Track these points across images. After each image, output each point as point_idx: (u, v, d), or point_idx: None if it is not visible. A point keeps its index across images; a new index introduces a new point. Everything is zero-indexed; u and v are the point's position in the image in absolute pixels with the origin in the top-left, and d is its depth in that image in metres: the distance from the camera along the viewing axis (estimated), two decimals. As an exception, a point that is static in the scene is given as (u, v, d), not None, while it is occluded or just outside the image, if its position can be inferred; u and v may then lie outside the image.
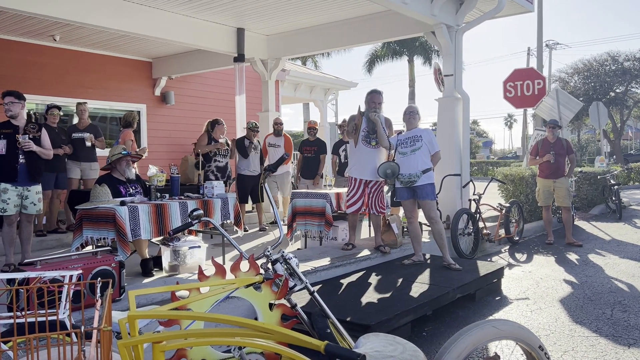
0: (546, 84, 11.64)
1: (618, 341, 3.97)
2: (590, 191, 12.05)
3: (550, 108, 11.06)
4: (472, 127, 67.47)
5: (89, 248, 4.89)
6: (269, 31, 9.38)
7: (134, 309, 1.52)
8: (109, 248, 4.56)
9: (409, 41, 25.88)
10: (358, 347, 2.02)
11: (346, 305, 4.24)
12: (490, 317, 4.67)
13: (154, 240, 5.19)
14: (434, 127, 11.86)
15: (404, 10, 6.75)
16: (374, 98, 5.92)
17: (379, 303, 4.29)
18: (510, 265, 6.70)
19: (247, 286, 2.08)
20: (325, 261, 5.45)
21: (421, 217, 6.10)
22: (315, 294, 2.35)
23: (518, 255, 7.38)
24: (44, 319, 1.96)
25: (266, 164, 8.63)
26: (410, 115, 5.92)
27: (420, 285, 4.82)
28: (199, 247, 5.10)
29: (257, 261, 2.25)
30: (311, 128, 9.09)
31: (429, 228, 6.30)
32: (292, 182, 9.64)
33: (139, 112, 10.48)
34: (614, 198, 11.19)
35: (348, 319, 3.85)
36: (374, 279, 5.10)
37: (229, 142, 8.24)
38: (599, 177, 12.08)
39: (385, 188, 6.35)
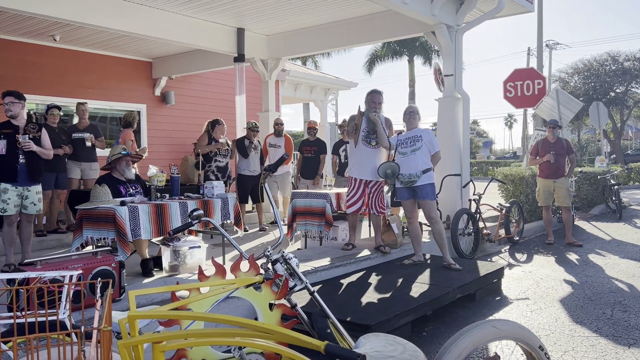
0: (546, 84, 11.64)
1: (618, 341, 3.97)
2: (590, 191, 12.05)
3: (551, 108, 11.06)
4: (472, 127, 67.45)
5: (89, 248, 4.89)
6: (269, 31, 9.38)
7: (134, 309, 1.52)
8: (109, 248, 4.56)
9: (409, 41, 25.87)
10: (358, 347, 2.01)
11: (346, 305, 4.23)
12: (491, 317, 4.67)
13: (154, 240, 5.20)
14: (434, 127, 11.87)
15: (404, 10, 6.75)
16: (374, 98, 5.92)
17: (379, 303, 4.29)
18: (510, 266, 6.70)
19: (247, 286, 2.08)
20: (325, 261, 5.45)
21: (421, 217, 6.10)
22: (316, 294, 2.35)
23: (518, 255, 7.38)
24: (44, 319, 1.96)
25: (266, 164, 8.63)
26: (410, 115, 5.92)
27: (420, 285, 4.82)
28: (199, 247, 5.10)
29: (257, 261, 2.25)
30: (311, 128, 9.09)
31: (429, 228, 6.31)
32: (292, 182, 9.64)
33: (139, 112, 10.48)
34: (614, 198, 11.19)
35: (348, 319, 3.84)
36: (374, 279, 5.10)
37: (229, 142, 8.24)
38: (599, 177, 12.07)
39: (386, 188, 6.34)
